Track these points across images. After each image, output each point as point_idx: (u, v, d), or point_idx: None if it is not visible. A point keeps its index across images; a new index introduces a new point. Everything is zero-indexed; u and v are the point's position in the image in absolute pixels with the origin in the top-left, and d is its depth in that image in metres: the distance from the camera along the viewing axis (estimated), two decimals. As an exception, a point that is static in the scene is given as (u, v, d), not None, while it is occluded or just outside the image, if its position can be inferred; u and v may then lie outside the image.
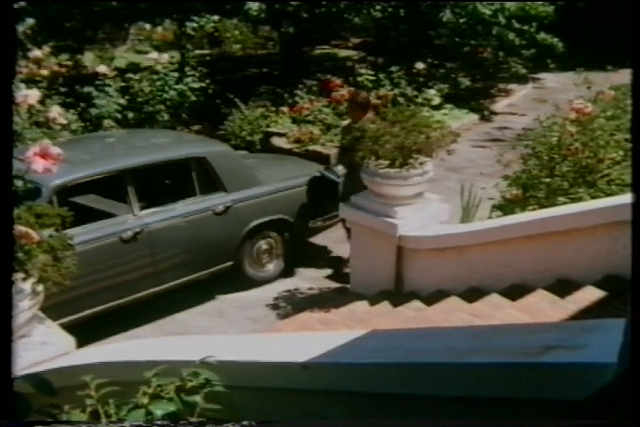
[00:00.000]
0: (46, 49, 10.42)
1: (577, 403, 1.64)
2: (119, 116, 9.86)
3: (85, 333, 4.32)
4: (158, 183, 6.19)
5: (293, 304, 5.81)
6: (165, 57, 10.68)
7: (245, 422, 1.75)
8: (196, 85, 10.60)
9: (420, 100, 11.05)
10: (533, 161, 5.58)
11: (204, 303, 5.97)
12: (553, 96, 9.90)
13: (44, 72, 9.77)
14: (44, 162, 3.32)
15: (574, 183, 5.17)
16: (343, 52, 16.27)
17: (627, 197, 3.84)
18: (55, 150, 3.35)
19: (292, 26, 12.86)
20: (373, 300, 5.25)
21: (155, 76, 10.34)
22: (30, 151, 3.31)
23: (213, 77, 11.53)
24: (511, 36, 12.09)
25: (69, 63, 10.70)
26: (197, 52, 14.23)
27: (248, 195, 6.09)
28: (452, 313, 4.45)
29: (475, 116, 11.97)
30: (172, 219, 5.63)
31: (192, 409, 1.81)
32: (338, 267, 6.62)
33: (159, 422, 1.74)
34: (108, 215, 5.48)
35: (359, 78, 11.37)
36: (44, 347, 3.51)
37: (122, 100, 10.02)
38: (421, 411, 2.13)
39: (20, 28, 10.11)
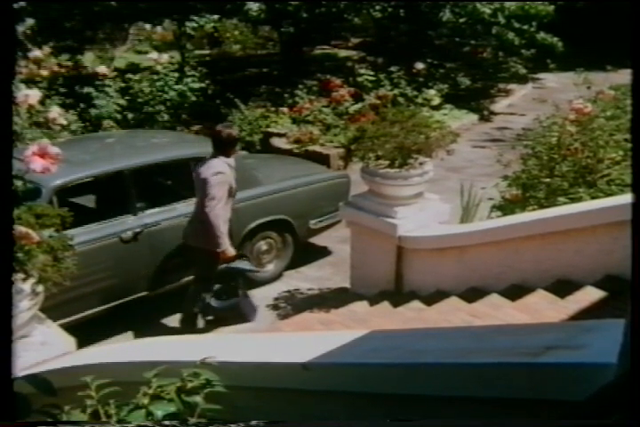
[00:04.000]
0: (46, 49, 10.42)
1: (577, 403, 1.64)
2: (119, 116, 9.87)
3: (85, 333, 4.32)
4: (158, 183, 6.18)
5: (293, 304, 5.80)
6: (165, 57, 10.68)
7: (254, 423, 1.75)
8: (195, 86, 10.59)
9: (419, 100, 11.06)
10: (533, 161, 5.58)
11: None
12: (553, 96, 9.91)
13: (44, 72, 9.76)
14: (42, 161, 3.32)
15: (574, 183, 5.17)
16: (343, 53, 16.28)
17: (626, 197, 3.84)
18: (54, 150, 3.35)
19: (291, 26, 12.86)
20: (373, 300, 5.25)
21: (154, 77, 10.34)
22: (29, 150, 3.31)
23: (213, 78, 11.53)
24: (511, 35, 12.11)
25: (69, 63, 10.68)
26: (197, 52, 14.27)
27: (248, 195, 6.08)
28: (452, 313, 4.45)
29: (474, 117, 11.98)
30: (172, 219, 5.62)
31: (192, 410, 1.81)
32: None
33: (164, 423, 1.74)
34: (108, 216, 5.48)
35: (359, 78, 11.38)
36: (44, 347, 3.51)
37: (122, 101, 10.03)
38: (421, 411, 2.13)
39: (20, 29, 10.09)
